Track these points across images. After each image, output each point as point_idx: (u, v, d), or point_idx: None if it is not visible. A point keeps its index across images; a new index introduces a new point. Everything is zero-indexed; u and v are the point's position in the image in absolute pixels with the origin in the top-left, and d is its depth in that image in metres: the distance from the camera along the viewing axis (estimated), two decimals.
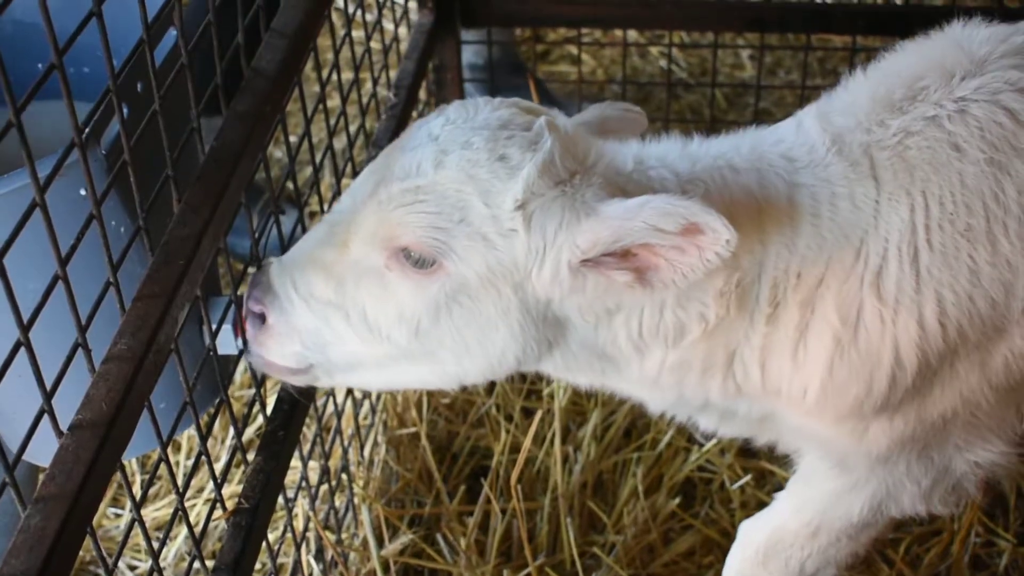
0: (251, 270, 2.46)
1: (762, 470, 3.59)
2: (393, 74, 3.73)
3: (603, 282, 2.09)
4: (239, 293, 2.32)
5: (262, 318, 2.24)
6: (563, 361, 2.28)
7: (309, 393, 2.60)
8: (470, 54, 4.65)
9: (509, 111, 2.15)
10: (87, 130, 1.64)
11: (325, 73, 2.88)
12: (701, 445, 3.59)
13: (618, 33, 5.44)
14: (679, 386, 2.32)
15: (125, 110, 1.79)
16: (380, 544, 3.29)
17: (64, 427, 1.63)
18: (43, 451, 1.67)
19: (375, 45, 4.24)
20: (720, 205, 2.13)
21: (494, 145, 2.07)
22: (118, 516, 3.60)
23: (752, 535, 2.73)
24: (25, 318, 1.51)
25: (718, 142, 2.28)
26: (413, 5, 4.23)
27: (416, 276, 2.10)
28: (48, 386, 1.58)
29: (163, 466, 2.00)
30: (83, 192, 1.93)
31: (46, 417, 1.60)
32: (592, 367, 2.31)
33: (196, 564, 2.16)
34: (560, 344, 2.22)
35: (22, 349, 1.53)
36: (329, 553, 3.15)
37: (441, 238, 2.05)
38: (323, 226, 2.22)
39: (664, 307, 2.17)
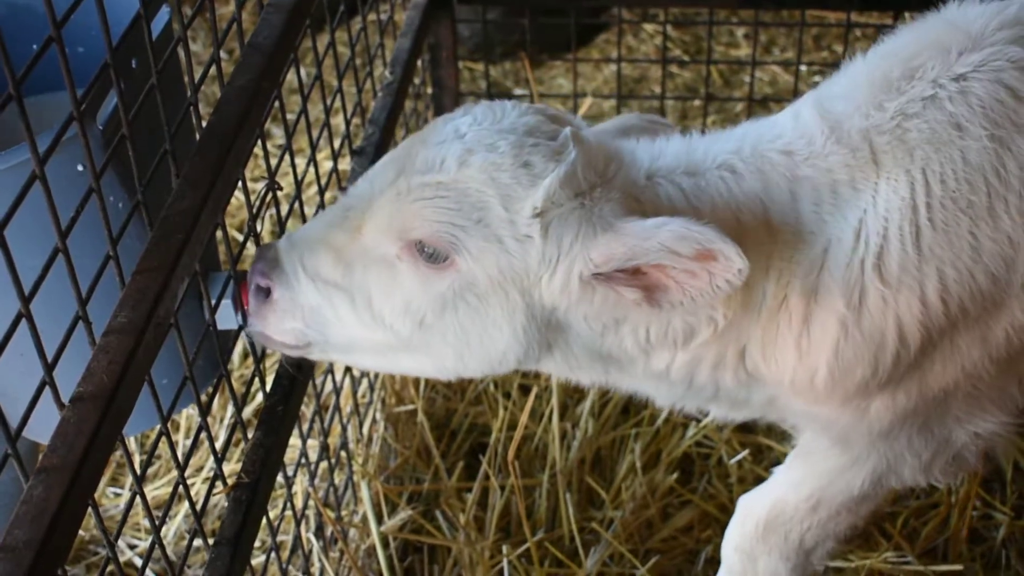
0: (250, 246, 2.47)
1: (759, 445, 3.60)
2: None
3: (611, 296, 2.11)
4: (238, 269, 2.32)
5: (266, 292, 2.24)
6: (564, 362, 2.29)
7: (307, 370, 2.61)
8: None
9: (536, 118, 2.16)
10: (84, 104, 1.63)
11: (321, 51, 2.87)
12: (699, 421, 3.60)
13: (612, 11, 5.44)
14: (689, 379, 2.34)
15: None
16: (379, 520, 3.30)
17: (65, 400, 1.63)
18: (45, 428, 1.67)
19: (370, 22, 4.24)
20: (728, 214, 2.15)
21: (519, 151, 2.08)
22: (117, 496, 3.61)
23: (751, 509, 2.73)
24: (26, 292, 1.51)
25: (721, 145, 2.28)
26: None
27: (426, 270, 2.11)
28: (49, 359, 1.58)
29: (162, 446, 2.00)
30: (80, 168, 1.93)
31: (48, 396, 1.60)
32: (594, 368, 2.33)
33: (197, 541, 2.16)
34: (561, 347, 2.24)
35: (21, 330, 1.52)
36: (329, 529, 3.16)
37: (457, 235, 2.07)
38: (337, 208, 2.22)
39: (673, 314, 2.19)
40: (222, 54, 2.13)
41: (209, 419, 3.71)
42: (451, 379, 2.33)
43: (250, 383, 2.53)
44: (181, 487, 2.09)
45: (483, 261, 2.08)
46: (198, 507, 2.16)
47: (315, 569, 3.11)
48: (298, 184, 2.71)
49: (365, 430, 3.58)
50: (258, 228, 2.45)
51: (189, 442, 3.71)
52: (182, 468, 2.08)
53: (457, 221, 2.07)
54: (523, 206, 2.06)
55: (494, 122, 2.14)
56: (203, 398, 2.29)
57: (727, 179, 2.21)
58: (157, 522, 2.00)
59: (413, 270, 2.12)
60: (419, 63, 4.12)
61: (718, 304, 2.18)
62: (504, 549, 3.20)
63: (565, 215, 2.07)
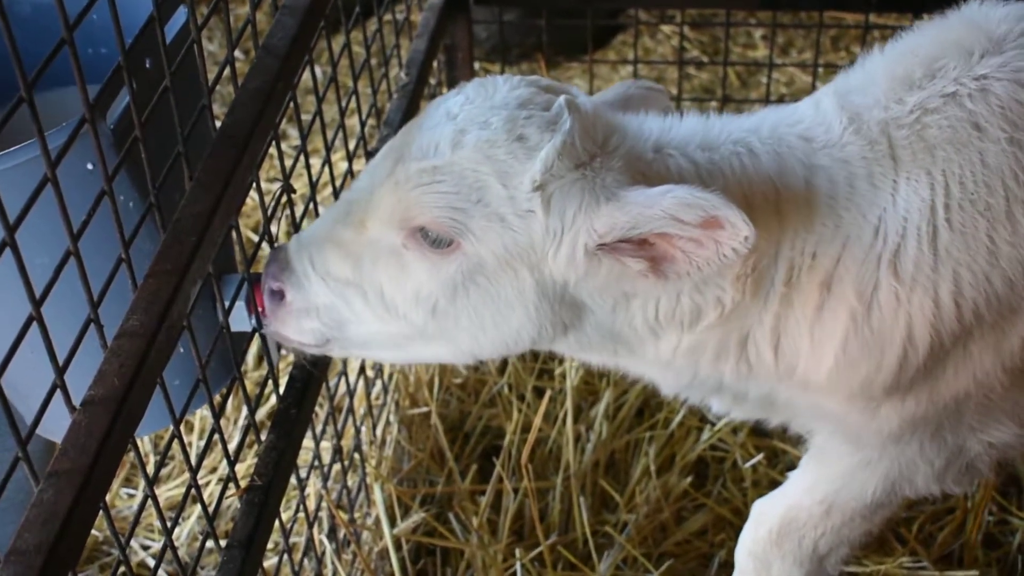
0: (264, 248, 2.46)
1: (774, 449, 3.58)
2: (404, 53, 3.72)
3: (617, 268, 2.08)
4: (252, 271, 2.31)
5: (280, 295, 2.24)
6: (577, 342, 2.27)
7: (323, 366, 2.60)
8: None
9: (529, 90, 2.13)
10: (95, 107, 1.63)
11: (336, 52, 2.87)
12: (713, 424, 3.59)
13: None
14: (693, 368, 2.32)
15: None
16: (392, 523, 3.29)
17: (77, 403, 1.62)
18: (60, 428, 1.67)
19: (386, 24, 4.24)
20: (738, 193, 2.12)
21: (512, 125, 2.05)
22: (131, 496, 3.61)
23: (765, 514, 2.72)
24: (36, 294, 1.50)
25: (738, 123, 2.26)
26: None
27: (433, 256, 2.09)
28: (60, 361, 1.57)
29: (175, 447, 2.00)
30: (90, 166, 1.93)
31: (61, 393, 1.59)
32: (605, 348, 2.31)
33: (209, 543, 2.16)
34: (575, 326, 2.21)
35: (33, 327, 1.52)
36: (342, 532, 3.16)
37: (458, 218, 2.04)
38: (341, 204, 2.21)
39: (681, 292, 2.16)
40: (237, 55, 2.13)
41: (223, 421, 3.71)
42: (468, 362, 2.31)
43: (263, 385, 2.52)
44: (194, 489, 2.09)
45: (487, 241, 2.06)
46: (211, 509, 2.16)
47: (328, 571, 3.11)
48: (313, 185, 2.71)
49: (378, 432, 3.58)
50: (273, 230, 2.45)
51: (202, 444, 3.72)
52: (195, 470, 2.07)
53: (456, 204, 2.04)
54: (522, 181, 2.03)
55: (486, 99, 2.11)
56: (216, 400, 2.29)
57: (742, 156, 2.18)
58: (169, 524, 2.00)
59: (420, 257, 2.11)
60: (435, 64, 4.12)
61: (727, 284, 2.16)
62: (517, 552, 3.19)
63: (567, 187, 2.04)
